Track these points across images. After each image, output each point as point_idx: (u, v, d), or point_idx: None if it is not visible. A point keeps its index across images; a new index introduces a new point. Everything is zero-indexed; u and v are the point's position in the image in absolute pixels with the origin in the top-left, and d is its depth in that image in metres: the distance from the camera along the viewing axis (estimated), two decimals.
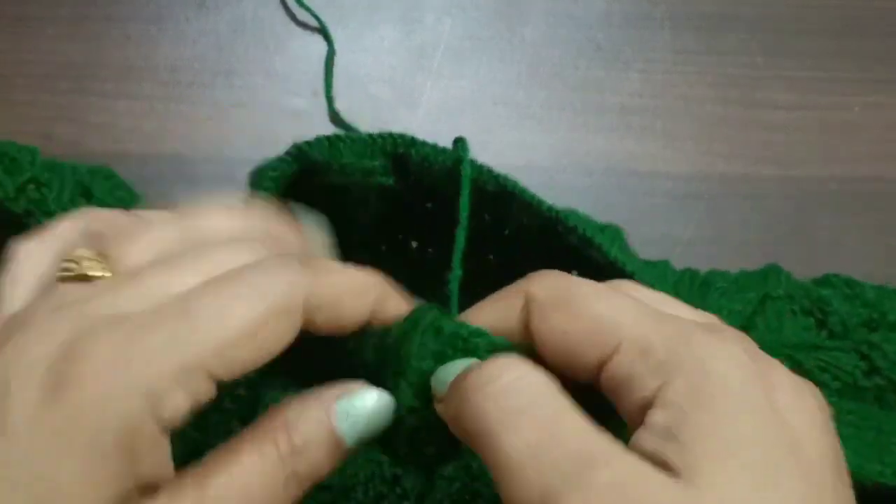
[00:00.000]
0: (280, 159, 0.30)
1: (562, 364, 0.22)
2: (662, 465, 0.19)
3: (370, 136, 0.30)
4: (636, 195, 0.43)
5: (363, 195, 0.31)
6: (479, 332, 0.24)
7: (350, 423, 0.23)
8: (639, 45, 0.47)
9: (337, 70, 0.45)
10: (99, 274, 0.23)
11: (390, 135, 0.30)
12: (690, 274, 0.37)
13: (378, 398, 0.24)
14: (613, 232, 0.35)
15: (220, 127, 0.44)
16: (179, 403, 0.21)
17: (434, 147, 0.30)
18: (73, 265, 0.23)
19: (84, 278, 0.22)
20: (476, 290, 0.30)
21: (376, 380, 0.24)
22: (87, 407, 0.20)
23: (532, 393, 0.20)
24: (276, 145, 0.44)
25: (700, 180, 0.44)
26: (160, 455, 0.21)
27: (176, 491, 0.21)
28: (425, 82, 0.46)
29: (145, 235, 0.24)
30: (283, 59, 0.46)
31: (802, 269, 0.37)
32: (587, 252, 0.28)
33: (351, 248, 0.35)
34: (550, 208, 0.28)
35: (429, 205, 0.32)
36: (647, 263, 0.37)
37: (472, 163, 0.30)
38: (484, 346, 0.24)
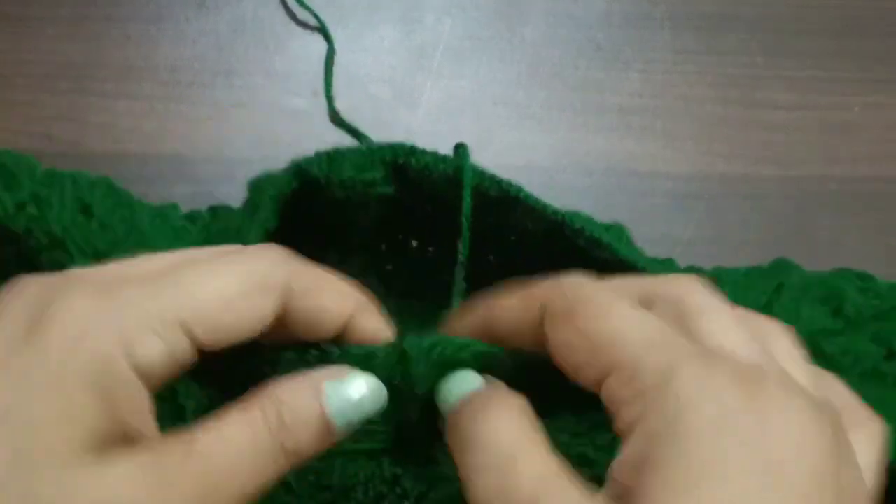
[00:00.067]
0: (279, 177, 0.29)
1: (568, 374, 0.23)
2: (624, 500, 0.19)
3: (369, 148, 0.30)
4: (636, 195, 0.43)
5: (363, 202, 0.31)
6: (465, 346, 0.25)
7: (339, 405, 0.23)
8: (639, 45, 0.47)
9: (337, 70, 0.45)
10: None
11: (389, 146, 0.30)
12: (696, 272, 0.37)
13: (368, 383, 0.24)
14: (618, 231, 0.35)
15: (220, 127, 0.44)
16: (153, 348, 0.21)
17: (434, 155, 0.30)
18: None
19: None
20: (476, 290, 0.30)
21: None
22: (59, 346, 0.20)
23: (498, 440, 0.22)
24: (277, 145, 0.44)
25: (700, 180, 0.44)
26: (138, 403, 0.21)
27: (160, 444, 0.21)
28: (425, 82, 0.46)
29: None
30: (283, 59, 0.46)
31: (804, 268, 0.37)
32: (595, 252, 0.28)
33: (351, 250, 0.35)
34: (556, 212, 0.28)
35: (429, 207, 0.32)
36: (654, 261, 0.37)
37: (474, 168, 0.30)
38: (471, 359, 0.25)
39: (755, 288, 0.36)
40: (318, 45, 0.46)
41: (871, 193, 0.44)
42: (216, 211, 0.38)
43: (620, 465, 0.20)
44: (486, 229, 0.30)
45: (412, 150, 0.30)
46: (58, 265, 0.31)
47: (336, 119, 0.44)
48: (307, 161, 0.30)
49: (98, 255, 0.32)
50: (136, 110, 0.44)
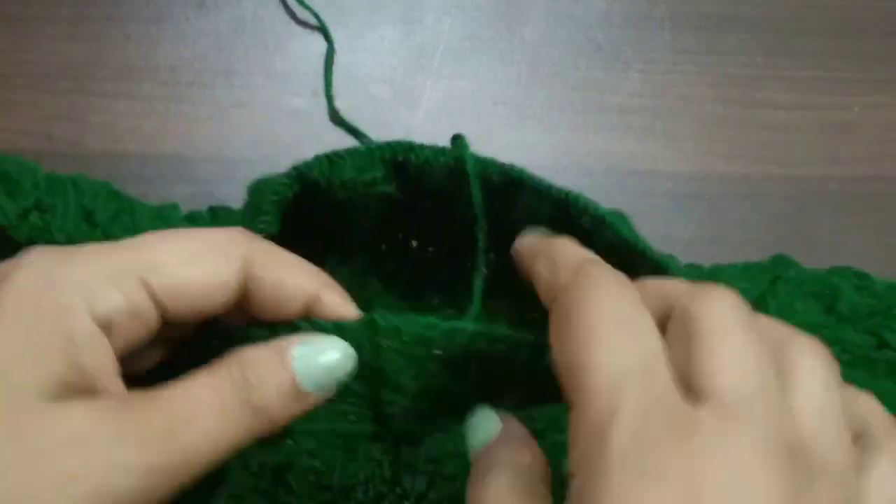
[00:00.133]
0: (279, 182, 0.29)
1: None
2: None
3: (369, 148, 0.30)
4: (636, 195, 0.43)
5: (364, 203, 0.31)
6: (433, 326, 0.26)
7: (305, 365, 0.24)
8: (639, 45, 0.47)
9: (337, 70, 0.45)
10: None
11: (388, 144, 0.30)
12: (695, 270, 0.37)
13: (334, 344, 0.25)
14: (621, 216, 0.35)
15: (220, 127, 0.44)
16: (113, 300, 0.22)
17: (433, 148, 0.30)
18: None
19: None
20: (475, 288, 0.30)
21: None
22: (21, 297, 0.21)
23: (497, 494, 0.22)
24: (276, 145, 0.44)
25: (700, 180, 0.44)
26: (101, 354, 0.22)
27: (123, 395, 0.22)
28: (425, 82, 0.46)
29: None
30: (283, 59, 0.46)
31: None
32: (599, 235, 0.28)
33: (351, 251, 0.35)
34: (560, 190, 0.28)
35: (429, 203, 0.32)
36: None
37: (475, 156, 0.30)
38: (440, 338, 0.26)
39: (751, 282, 0.36)
40: (317, 44, 0.46)
41: (871, 193, 0.44)
42: (216, 212, 0.38)
43: None
44: (488, 222, 0.30)
45: (411, 147, 0.30)
46: None
47: (336, 119, 0.44)
48: (307, 165, 0.30)
49: None
50: (136, 110, 0.44)
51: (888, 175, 0.45)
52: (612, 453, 0.18)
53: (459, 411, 0.29)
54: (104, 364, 0.22)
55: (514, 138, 0.45)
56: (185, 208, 0.38)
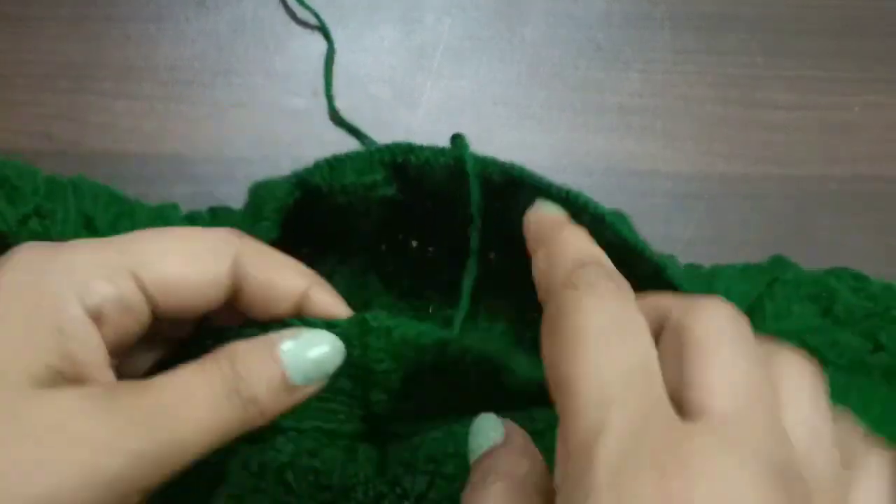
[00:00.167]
0: (280, 188, 0.29)
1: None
2: None
3: (368, 150, 0.30)
4: (636, 195, 0.43)
5: (365, 207, 0.31)
6: (425, 334, 0.26)
7: (293, 357, 0.24)
8: (639, 45, 0.47)
9: (337, 70, 0.45)
10: None
11: (388, 147, 0.30)
12: (695, 270, 0.37)
13: (322, 336, 0.25)
14: (621, 216, 0.35)
15: (220, 126, 0.44)
16: (102, 291, 0.23)
17: (432, 149, 0.30)
18: None
19: None
20: (476, 288, 0.30)
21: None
22: (12, 286, 0.22)
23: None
24: (276, 145, 0.44)
25: (700, 180, 0.44)
26: (90, 343, 0.22)
27: (112, 384, 0.22)
28: (425, 82, 0.46)
29: None
30: (282, 59, 0.46)
31: (803, 268, 0.37)
32: (600, 233, 0.28)
33: (351, 251, 0.35)
34: (560, 189, 0.28)
35: (429, 204, 0.32)
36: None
37: (475, 156, 0.30)
38: (431, 346, 0.26)
39: (749, 283, 0.36)
40: (317, 44, 0.46)
41: (871, 193, 0.44)
42: (216, 212, 0.38)
43: None
44: (489, 222, 0.30)
45: (410, 148, 0.30)
46: None
47: (336, 119, 0.44)
48: (308, 171, 0.30)
49: None
50: (136, 110, 0.44)
51: (888, 175, 0.45)
52: (598, 473, 0.17)
53: (450, 413, 0.29)
54: (94, 354, 0.23)
55: (514, 138, 0.45)
56: (184, 208, 0.38)
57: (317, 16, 0.46)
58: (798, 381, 0.21)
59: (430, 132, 0.45)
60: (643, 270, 0.30)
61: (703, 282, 0.36)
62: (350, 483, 0.29)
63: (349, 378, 0.27)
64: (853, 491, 0.20)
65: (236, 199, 0.36)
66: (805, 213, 0.44)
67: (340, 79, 0.45)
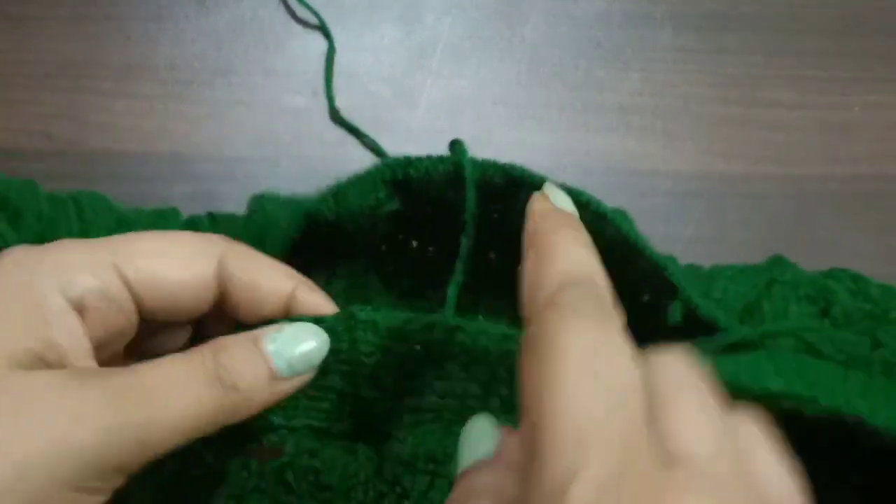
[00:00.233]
0: (285, 221, 0.30)
1: None
2: None
3: (368, 172, 0.30)
4: (636, 194, 0.43)
5: (371, 224, 0.32)
6: (412, 320, 0.26)
7: (277, 347, 0.24)
8: (639, 44, 0.47)
9: (337, 69, 0.45)
10: None
11: (386, 164, 0.30)
12: (694, 270, 0.37)
13: (306, 327, 0.25)
14: (622, 214, 0.35)
15: (220, 126, 0.44)
16: (85, 283, 0.23)
17: (431, 159, 0.30)
18: None
19: None
20: (476, 288, 0.30)
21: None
22: (1, 276, 0.23)
23: None
24: (276, 144, 0.44)
25: (700, 179, 0.44)
26: (71, 330, 0.23)
27: (93, 369, 0.23)
28: (425, 81, 0.46)
29: None
30: (282, 58, 0.46)
31: (803, 267, 0.37)
32: (601, 230, 0.28)
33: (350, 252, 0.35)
34: (562, 186, 0.28)
35: (429, 209, 0.32)
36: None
37: (473, 161, 0.30)
38: (419, 331, 0.26)
39: (747, 283, 0.36)
40: (317, 43, 0.46)
41: (871, 193, 0.44)
42: (216, 218, 0.37)
43: None
44: (489, 222, 0.30)
45: (409, 162, 0.30)
46: None
47: (336, 118, 0.44)
48: (314, 205, 0.30)
49: None
50: (136, 109, 0.44)
51: (888, 174, 0.45)
52: None
53: (446, 413, 0.29)
54: (76, 342, 0.23)
55: (514, 138, 0.45)
56: (184, 207, 0.38)
57: (317, 15, 0.46)
58: (758, 435, 0.20)
59: (429, 131, 0.45)
60: (643, 269, 0.30)
61: (703, 282, 0.36)
62: (350, 483, 0.29)
63: (339, 375, 0.27)
64: None
65: (236, 198, 0.36)
66: (805, 212, 0.44)
67: (340, 78, 0.45)
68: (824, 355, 0.32)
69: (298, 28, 0.46)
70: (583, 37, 0.47)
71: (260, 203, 0.33)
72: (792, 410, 0.25)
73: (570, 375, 0.18)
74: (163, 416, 0.22)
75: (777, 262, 0.38)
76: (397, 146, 0.44)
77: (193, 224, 0.36)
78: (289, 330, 0.25)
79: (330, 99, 0.44)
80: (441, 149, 0.44)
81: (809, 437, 0.28)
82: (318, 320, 0.26)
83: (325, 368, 0.26)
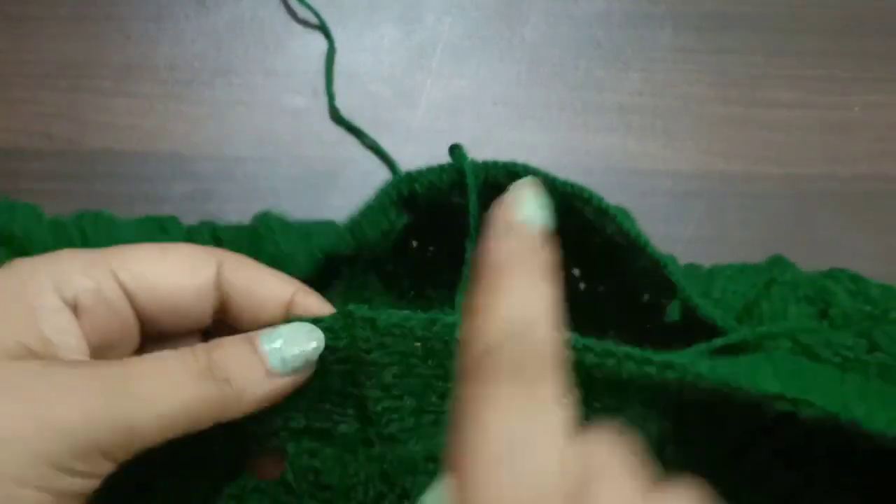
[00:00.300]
0: (303, 263, 0.30)
1: None
2: None
3: (378, 197, 0.31)
4: (636, 194, 0.43)
5: (386, 244, 0.32)
6: (411, 317, 0.26)
7: (270, 343, 0.24)
8: (639, 44, 0.47)
9: (337, 69, 0.45)
10: None
11: (392, 185, 0.31)
12: (694, 270, 0.37)
13: (298, 324, 0.25)
14: (623, 212, 0.36)
15: (220, 125, 0.44)
16: (81, 283, 0.24)
17: (433, 171, 0.31)
18: None
19: None
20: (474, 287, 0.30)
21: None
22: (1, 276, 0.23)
23: None
24: (276, 144, 0.44)
25: (700, 179, 0.44)
26: (64, 327, 0.23)
27: (85, 360, 0.23)
28: (425, 81, 0.46)
29: None
30: (282, 58, 0.46)
31: (803, 266, 0.37)
32: (603, 226, 0.28)
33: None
34: (565, 183, 0.28)
35: (434, 216, 0.32)
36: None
37: (475, 163, 0.30)
38: (419, 327, 0.26)
39: (747, 283, 0.36)
40: (317, 43, 0.46)
41: (871, 192, 0.44)
42: (217, 231, 0.37)
43: None
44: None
45: (412, 178, 0.30)
46: None
47: (336, 118, 0.44)
48: (333, 245, 0.30)
49: None
50: (136, 109, 0.44)
51: (889, 174, 0.45)
52: None
53: (443, 413, 0.29)
54: (68, 339, 0.23)
55: (514, 138, 0.45)
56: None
57: (317, 15, 0.46)
58: None
59: (429, 131, 0.45)
60: (644, 267, 0.30)
61: (702, 282, 0.36)
62: (350, 483, 0.29)
63: (339, 375, 0.27)
64: None
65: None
66: (805, 211, 0.44)
67: (340, 78, 0.45)
68: (821, 358, 0.32)
69: (298, 28, 0.46)
70: (583, 37, 0.47)
71: (267, 225, 0.33)
72: (790, 414, 0.25)
73: (485, 457, 0.17)
74: (150, 404, 0.22)
75: (777, 262, 0.37)
76: (397, 146, 0.44)
77: (193, 235, 0.36)
78: (284, 328, 0.25)
79: (330, 98, 0.44)
80: (441, 149, 0.44)
81: (809, 439, 0.28)
82: (316, 320, 0.26)
83: (325, 368, 0.26)
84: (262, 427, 0.26)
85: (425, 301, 0.36)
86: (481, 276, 0.19)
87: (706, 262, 0.38)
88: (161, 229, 0.36)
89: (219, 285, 0.26)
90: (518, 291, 0.19)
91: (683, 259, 0.38)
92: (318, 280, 0.31)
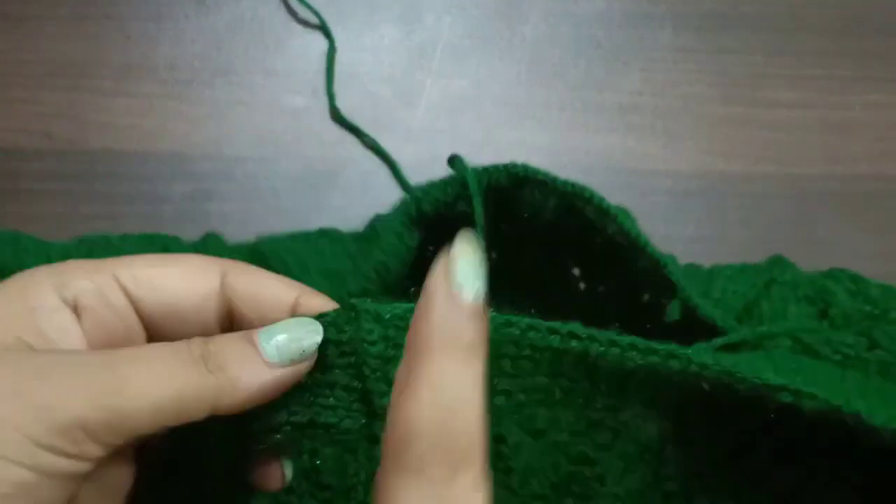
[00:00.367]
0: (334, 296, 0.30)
1: None
2: None
3: (396, 236, 0.31)
4: (636, 194, 0.43)
5: (406, 267, 0.32)
6: (412, 310, 0.25)
7: (267, 335, 0.24)
8: (639, 43, 0.47)
9: (337, 68, 0.45)
10: None
11: (401, 211, 0.31)
12: (694, 269, 0.37)
13: (301, 322, 0.25)
14: (624, 212, 0.36)
15: (220, 125, 0.44)
16: (81, 284, 0.24)
17: (437, 186, 0.31)
18: None
19: None
20: None
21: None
22: (4, 286, 0.24)
23: None
24: (276, 144, 0.44)
25: (700, 179, 0.44)
26: (63, 324, 0.24)
27: (78, 351, 0.23)
28: (425, 81, 0.46)
29: None
30: (282, 58, 0.46)
31: (803, 266, 0.37)
32: (603, 226, 0.28)
33: None
34: (565, 182, 0.28)
35: (441, 226, 0.32)
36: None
37: (476, 170, 0.30)
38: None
39: (747, 283, 0.36)
40: (317, 43, 0.46)
41: (871, 192, 0.44)
42: (220, 245, 0.37)
43: None
44: (492, 221, 0.30)
45: (418, 199, 0.30)
46: None
47: (336, 117, 0.44)
48: (362, 289, 0.31)
49: None
50: (136, 108, 0.44)
51: (889, 174, 0.45)
52: None
53: None
54: (69, 337, 0.24)
55: (514, 138, 0.45)
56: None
57: (317, 15, 0.46)
58: None
59: (429, 131, 0.45)
60: (644, 267, 0.30)
61: (702, 281, 0.36)
62: (350, 483, 0.29)
63: (343, 369, 0.27)
64: None
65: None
66: (805, 211, 0.44)
67: (340, 77, 0.45)
68: (821, 356, 0.32)
69: (298, 28, 0.46)
70: (583, 37, 0.47)
71: (278, 254, 0.33)
72: (791, 408, 0.25)
73: None
74: (138, 387, 0.22)
75: (777, 262, 0.38)
76: (397, 146, 0.44)
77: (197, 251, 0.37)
78: (282, 322, 0.25)
79: (330, 98, 0.44)
80: (441, 149, 0.44)
81: (809, 437, 0.28)
82: (320, 315, 0.26)
83: (329, 363, 0.26)
84: (266, 422, 0.26)
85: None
86: (408, 354, 0.20)
87: (706, 262, 0.38)
88: (164, 249, 0.36)
89: (223, 292, 0.26)
90: (444, 375, 0.20)
91: (683, 259, 0.38)
92: None
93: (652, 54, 0.47)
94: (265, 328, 0.25)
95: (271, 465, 0.28)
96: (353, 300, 0.26)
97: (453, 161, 0.30)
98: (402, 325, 0.26)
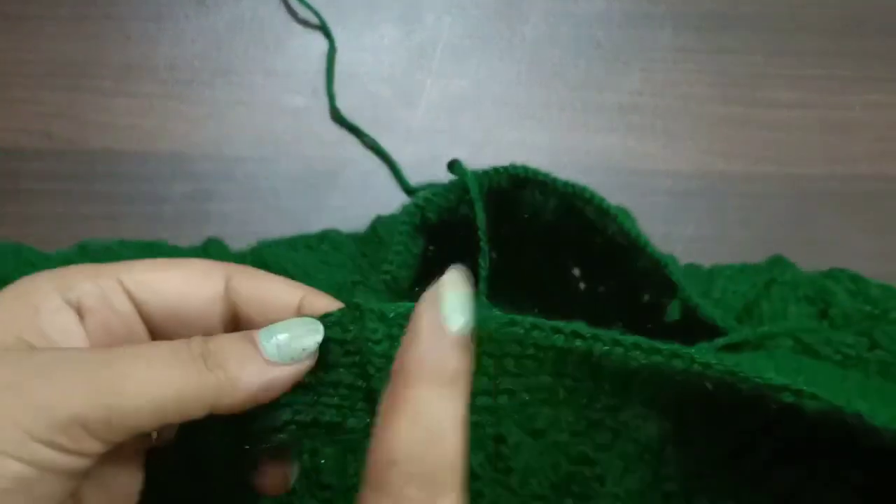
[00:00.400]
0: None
1: None
2: None
3: (403, 245, 0.31)
4: (637, 194, 0.43)
5: (411, 273, 0.32)
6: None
7: (270, 337, 0.24)
8: (639, 43, 0.47)
9: (337, 68, 0.45)
10: None
11: (407, 222, 0.31)
12: (694, 269, 0.37)
13: (301, 322, 0.25)
14: (623, 212, 0.36)
15: (220, 125, 0.44)
16: (84, 287, 0.24)
17: (438, 193, 0.31)
18: None
19: None
20: (475, 284, 0.30)
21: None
22: (8, 287, 0.24)
23: None
24: (276, 144, 0.44)
25: (700, 179, 0.44)
26: (65, 325, 0.24)
27: (78, 349, 0.23)
28: (425, 81, 0.46)
29: None
30: (282, 58, 0.46)
31: (803, 266, 0.37)
32: (603, 226, 0.28)
33: None
34: (566, 183, 0.28)
35: (444, 232, 0.32)
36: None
37: (477, 174, 0.30)
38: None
39: (747, 283, 0.36)
40: (317, 43, 0.46)
41: (871, 192, 0.44)
42: (215, 256, 0.37)
43: None
44: (492, 222, 0.30)
45: (421, 207, 0.31)
46: None
47: (336, 117, 0.44)
48: (368, 298, 0.30)
49: None
50: (136, 108, 0.44)
51: (889, 174, 0.45)
52: None
53: None
54: (71, 337, 0.24)
55: (514, 138, 0.45)
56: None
57: (317, 15, 0.46)
58: None
59: (429, 130, 0.45)
60: (644, 267, 0.30)
61: (702, 281, 0.36)
62: (350, 483, 0.29)
63: (348, 368, 0.27)
64: None
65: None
66: (805, 211, 0.44)
67: (340, 77, 0.45)
68: (821, 356, 0.32)
69: (298, 28, 0.46)
70: (583, 37, 0.47)
71: (281, 265, 0.33)
72: (792, 408, 0.25)
73: None
74: (137, 384, 0.22)
75: (777, 262, 0.38)
76: (397, 146, 0.44)
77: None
78: (283, 322, 0.25)
79: (330, 98, 0.44)
80: (441, 149, 0.44)
81: (810, 437, 0.28)
82: (324, 315, 0.26)
83: (333, 362, 0.26)
84: (270, 422, 0.26)
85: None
86: (392, 382, 0.21)
87: (706, 261, 0.38)
88: (164, 256, 0.36)
89: (227, 296, 0.26)
90: (426, 403, 0.20)
91: (683, 259, 0.38)
92: None
93: (652, 54, 0.47)
94: (266, 327, 0.25)
95: (275, 468, 0.28)
96: (358, 299, 0.26)
97: (453, 166, 0.30)
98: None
